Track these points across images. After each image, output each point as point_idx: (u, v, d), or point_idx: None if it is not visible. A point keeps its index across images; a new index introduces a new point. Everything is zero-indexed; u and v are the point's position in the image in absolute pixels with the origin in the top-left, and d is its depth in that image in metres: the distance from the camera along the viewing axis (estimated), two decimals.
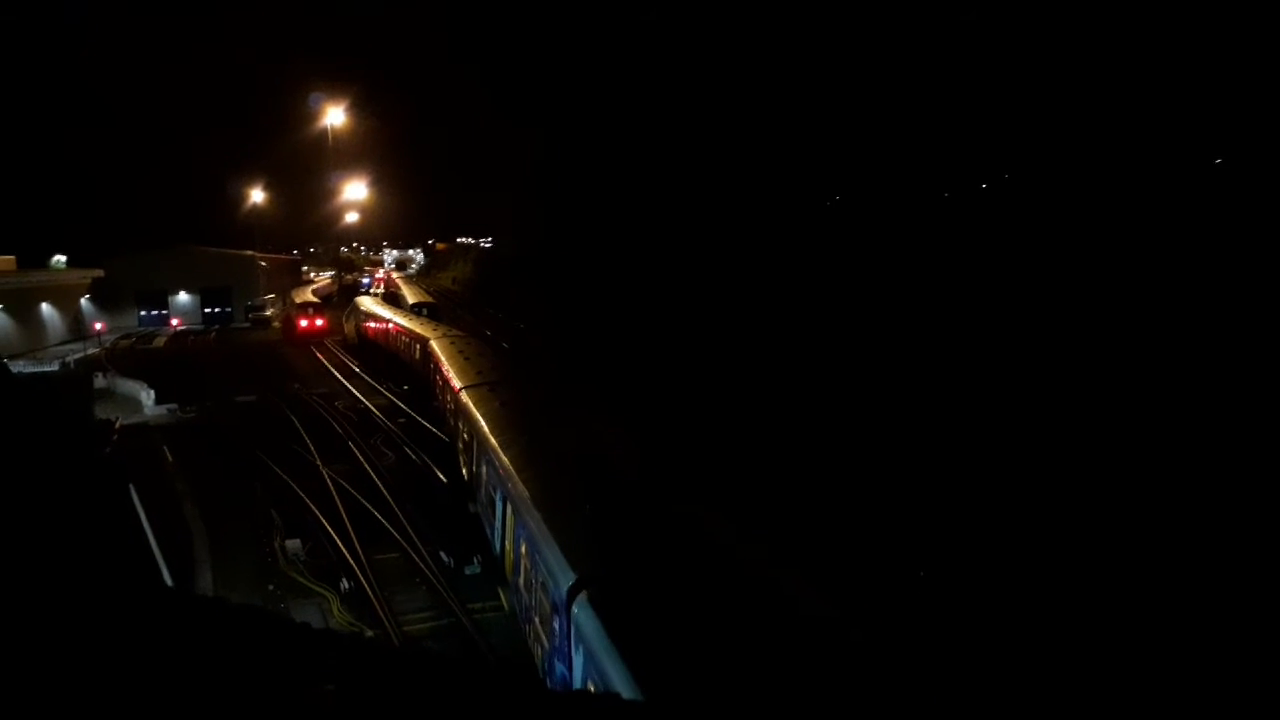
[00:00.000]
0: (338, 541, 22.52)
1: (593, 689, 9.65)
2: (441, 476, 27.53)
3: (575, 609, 10.60)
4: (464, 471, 23.93)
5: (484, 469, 19.71)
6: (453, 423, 27.12)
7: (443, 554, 21.34)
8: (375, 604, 19.13)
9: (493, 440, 18.93)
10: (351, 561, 21.22)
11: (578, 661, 10.56)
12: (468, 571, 20.65)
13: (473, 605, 18.83)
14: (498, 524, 17.58)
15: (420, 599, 19.81)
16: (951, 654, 15.94)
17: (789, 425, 35.53)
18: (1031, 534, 22.85)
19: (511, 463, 16.70)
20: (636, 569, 10.85)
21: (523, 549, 14.50)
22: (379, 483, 27.16)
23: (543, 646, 13.11)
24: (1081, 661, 16.72)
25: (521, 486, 15.26)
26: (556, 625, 11.66)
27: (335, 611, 19.25)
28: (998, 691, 15.48)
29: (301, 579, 20.99)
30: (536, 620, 13.60)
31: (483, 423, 20.62)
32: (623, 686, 8.66)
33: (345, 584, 20.29)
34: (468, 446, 23.09)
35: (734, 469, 27.06)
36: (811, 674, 8.28)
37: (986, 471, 27.35)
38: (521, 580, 14.91)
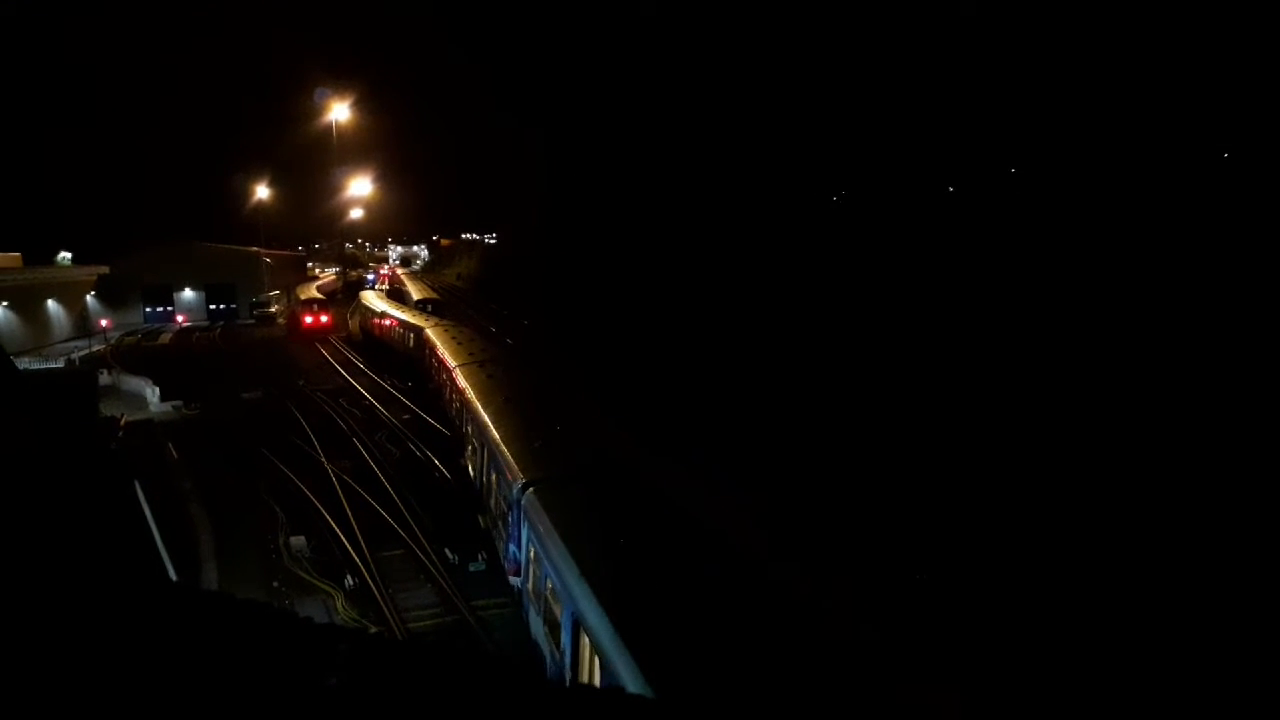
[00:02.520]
0: (342, 538, 22.54)
1: (533, 551, 14.39)
2: (447, 473, 27.57)
3: (524, 500, 15.02)
4: (458, 434, 27.83)
5: (470, 427, 23.94)
6: (448, 395, 31.03)
7: (448, 551, 21.36)
8: (380, 601, 19.15)
9: (476, 403, 23.13)
10: (356, 558, 21.25)
11: (524, 535, 15.16)
12: (472, 568, 20.64)
13: (477, 602, 18.83)
14: (479, 464, 21.81)
15: (425, 596, 19.81)
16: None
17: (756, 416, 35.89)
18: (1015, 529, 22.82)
19: (489, 418, 20.95)
20: (567, 475, 15.44)
21: (494, 477, 19.18)
22: (384, 479, 27.19)
23: (502, 537, 17.95)
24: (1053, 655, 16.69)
25: (494, 433, 19.58)
26: (512, 516, 16.24)
27: (340, 608, 19.25)
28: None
29: (306, 576, 20.99)
30: (500, 523, 18.32)
31: (470, 391, 24.75)
32: (550, 539, 12.95)
33: (350, 581, 20.31)
34: (459, 414, 27.09)
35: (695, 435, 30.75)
36: (666, 527, 12.88)
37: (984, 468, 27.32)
38: (492, 501, 19.75)
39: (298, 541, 22.61)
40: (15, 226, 79.75)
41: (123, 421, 31.07)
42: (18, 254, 71.89)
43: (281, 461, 29.38)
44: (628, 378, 43.96)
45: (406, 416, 36.65)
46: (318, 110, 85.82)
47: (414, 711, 2.70)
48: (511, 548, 16.35)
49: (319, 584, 20.51)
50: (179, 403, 41.48)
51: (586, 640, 10.89)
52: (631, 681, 8.83)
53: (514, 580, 16.46)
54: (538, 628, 14.29)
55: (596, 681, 10.39)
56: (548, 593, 13.21)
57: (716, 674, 8.65)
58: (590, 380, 43.31)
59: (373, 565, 20.77)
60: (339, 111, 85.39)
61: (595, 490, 14.51)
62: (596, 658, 10.35)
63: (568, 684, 11.26)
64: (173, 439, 34.26)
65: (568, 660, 11.89)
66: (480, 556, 20.78)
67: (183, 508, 25.83)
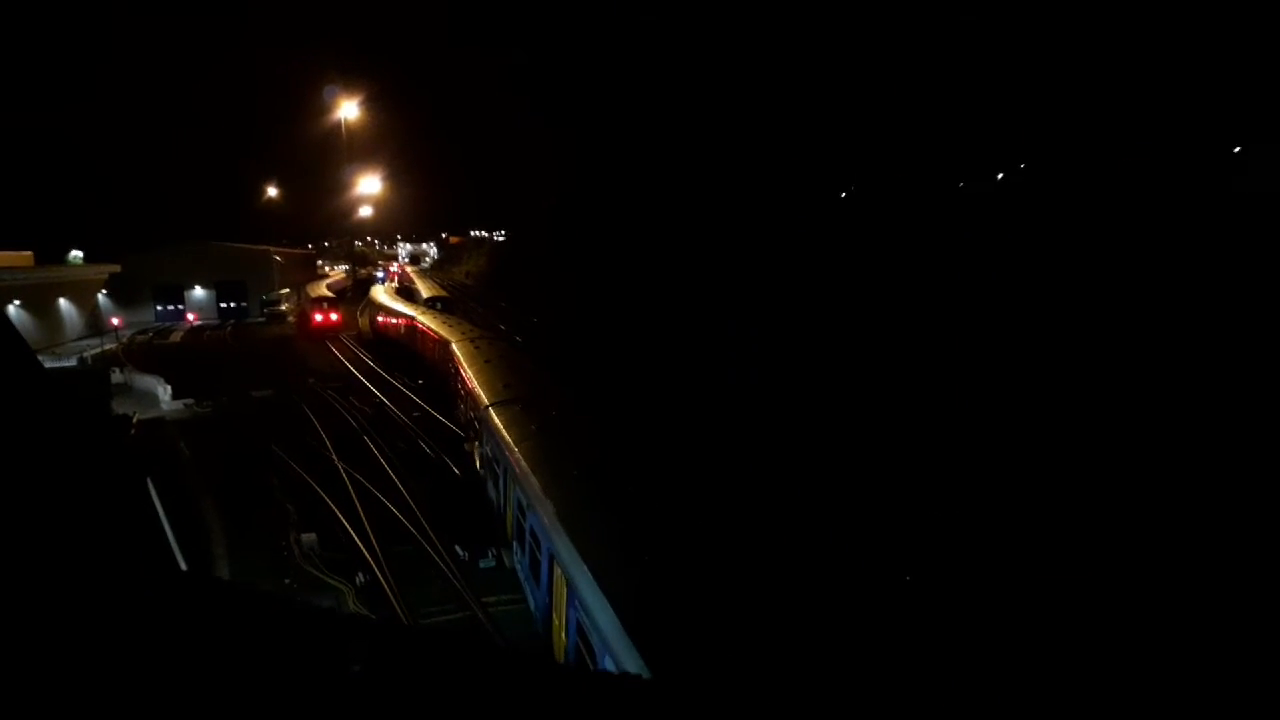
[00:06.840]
0: (353, 535, 22.68)
1: (489, 450, 21.28)
2: (456, 470, 27.71)
3: (483, 415, 22.13)
4: (454, 393, 34.28)
5: (461, 386, 30.78)
6: (445, 365, 37.65)
7: (458, 548, 21.49)
8: (391, 597, 19.28)
9: (464, 363, 30.27)
10: (367, 555, 21.38)
11: (486, 436, 21.85)
12: (483, 565, 20.75)
13: (488, 599, 18.91)
14: (466, 406, 28.62)
15: (435, 592, 19.88)
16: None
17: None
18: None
19: (472, 372, 27.76)
20: (513, 399, 21.88)
21: (472, 413, 25.89)
22: (394, 477, 27.35)
23: (474, 442, 25.42)
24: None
25: (474, 383, 26.24)
26: (478, 425, 23.82)
27: (351, 605, 19.35)
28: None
29: (317, 572, 21.11)
30: (475, 437, 25.38)
31: (462, 358, 31.48)
32: (496, 432, 19.70)
33: (361, 577, 20.43)
34: (454, 376, 33.65)
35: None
36: (561, 425, 19.28)
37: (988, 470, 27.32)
38: (472, 430, 26.29)
39: (309, 538, 22.75)
40: (26, 225, 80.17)
41: (135, 419, 31.33)
42: (29, 253, 72.29)
43: (292, 459, 29.57)
44: (623, 371, 44.20)
45: (416, 414, 36.82)
46: (327, 108, 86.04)
47: (432, 698, 2.82)
48: (479, 444, 23.84)
49: (330, 580, 20.63)
50: (191, 400, 41.75)
51: (513, 481, 17.39)
52: (530, 492, 15.23)
53: (481, 471, 23.49)
54: (490, 489, 21.51)
55: (512, 498, 17.65)
56: (494, 465, 20.33)
57: (575, 486, 14.64)
58: (577, 361, 45.50)
59: (383, 562, 20.91)
60: (348, 109, 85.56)
61: (528, 407, 20.90)
62: (517, 487, 16.84)
63: (511, 533, 18.13)
64: (185, 437, 34.50)
65: (501, 496, 19.24)
66: (491, 553, 20.91)
67: (195, 505, 26.03)
